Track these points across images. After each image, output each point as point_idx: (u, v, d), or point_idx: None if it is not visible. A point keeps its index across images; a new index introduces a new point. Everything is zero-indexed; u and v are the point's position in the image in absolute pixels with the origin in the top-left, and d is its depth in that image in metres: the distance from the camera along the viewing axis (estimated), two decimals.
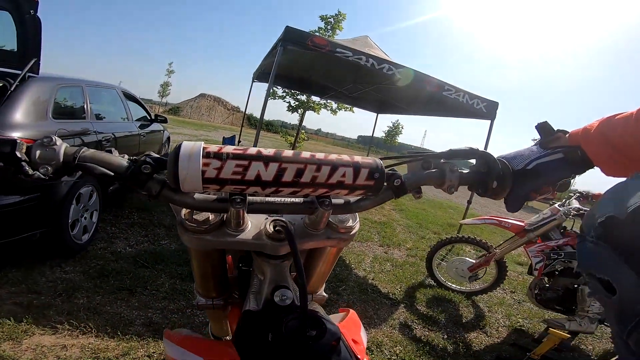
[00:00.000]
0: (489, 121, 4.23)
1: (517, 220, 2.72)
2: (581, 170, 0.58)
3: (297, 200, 0.45)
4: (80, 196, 2.36)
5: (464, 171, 0.52)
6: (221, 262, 0.56)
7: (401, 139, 37.88)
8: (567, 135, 0.60)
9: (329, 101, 8.61)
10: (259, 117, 3.94)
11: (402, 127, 36.81)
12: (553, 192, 0.58)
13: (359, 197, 0.46)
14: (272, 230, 0.45)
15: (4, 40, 2.08)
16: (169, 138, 5.57)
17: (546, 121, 0.61)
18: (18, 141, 0.37)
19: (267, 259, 0.49)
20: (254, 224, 0.47)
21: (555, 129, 0.61)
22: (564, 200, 2.62)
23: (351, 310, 0.67)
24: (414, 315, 2.48)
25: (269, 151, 0.39)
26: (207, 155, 0.37)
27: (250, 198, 0.42)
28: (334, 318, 0.62)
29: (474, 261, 2.83)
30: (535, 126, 0.62)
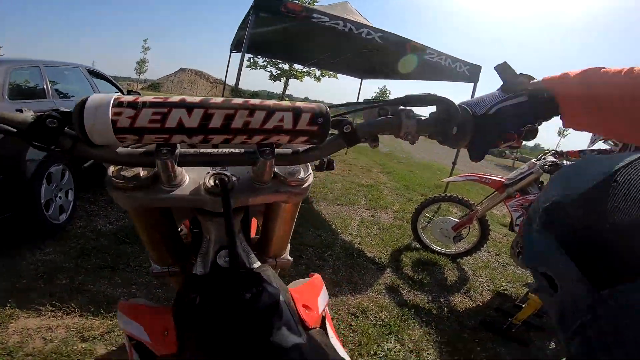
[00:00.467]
0: (472, 84, 4.19)
1: (497, 177, 2.76)
2: (546, 116, 0.55)
3: (236, 150, 0.42)
4: (50, 175, 2.32)
5: (422, 118, 0.50)
6: (169, 224, 0.53)
7: None
8: (539, 80, 0.57)
9: (312, 69, 8.35)
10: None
11: (389, 93, 36.31)
12: (518, 140, 0.56)
13: (306, 147, 0.44)
14: (212, 184, 0.42)
15: None
16: None
17: (505, 62, 0.58)
18: None
19: (212, 218, 0.47)
20: (193, 179, 0.44)
21: (518, 73, 0.58)
22: (540, 156, 2.67)
23: (316, 275, 0.66)
24: (400, 280, 2.55)
25: (194, 98, 0.37)
26: (118, 104, 0.35)
27: (183, 150, 0.40)
28: (295, 283, 0.61)
29: (457, 220, 2.90)
30: (495, 67, 0.58)
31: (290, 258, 0.65)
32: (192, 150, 0.41)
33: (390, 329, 1.96)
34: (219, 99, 0.38)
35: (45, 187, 2.24)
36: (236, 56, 6.53)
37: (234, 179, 0.44)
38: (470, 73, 4.03)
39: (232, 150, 0.42)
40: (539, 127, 0.56)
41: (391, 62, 5.13)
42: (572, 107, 0.52)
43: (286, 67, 8.63)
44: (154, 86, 35.35)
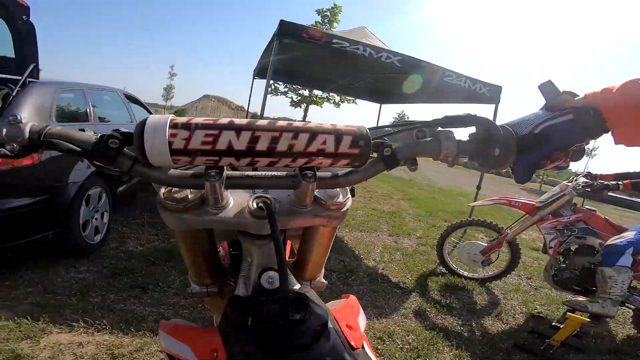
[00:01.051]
0: (494, 105, 4.19)
1: (528, 200, 2.71)
2: (595, 134, 0.53)
3: (279, 173, 0.43)
4: (89, 197, 2.44)
5: (463, 140, 0.48)
6: (210, 245, 0.53)
7: None
8: (581, 97, 0.55)
9: (331, 94, 8.60)
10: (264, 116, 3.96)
11: (407, 118, 36.48)
12: (566, 160, 0.55)
13: (346, 170, 0.44)
14: (255, 207, 0.43)
15: (1, 47, 2.12)
16: None
17: (550, 80, 0.58)
18: None
19: (253, 240, 0.47)
20: (238, 202, 0.45)
21: (562, 90, 0.57)
22: (571, 177, 2.61)
23: (351, 296, 0.66)
24: (427, 304, 2.49)
25: (241, 120, 0.38)
26: (174, 126, 0.36)
27: (229, 173, 0.41)
28: (332, 304, 0.60)
29: (485, 244, 2.82)
30: (539, 86, 0.58)
31: (324, 281, 0.64)
32: (237, 172, 0.42)
33: (418, 353, 1.91)
34: (265, 121, 0.38)
35: (84, 209, 2.36)
36: (259, 82, 6.86)
37: (275, 202, 0.44)
38: (491, 94, 4.03)
39: (275, 173, 0.43)
40: (586, 146, 0.56)
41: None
42: (621, 122, 0.51)
43: (306, 93, 8.88)
44: (180, 112, 36.78)
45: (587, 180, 2.43)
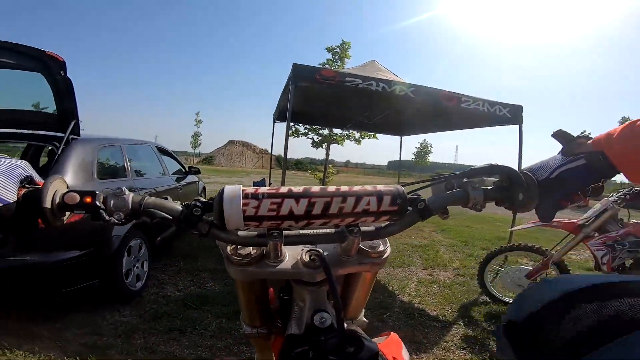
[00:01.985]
0: (517, 126, 4.16)
1: (569, 219, 2.62)
2: (608, 175, 0.57)
3: (328, 230, 0.50)
4: (130, 248, 2.64)
5: (488, 187, 0.54)
6: (263, 292, 0.60)
7: (433, 157, 37.11)
8: (591, 141, 0.60)
9: (351, 131, 8.82)
10: (287, 158, 4.13)
11: (430, 147, 36.32)
12: (585, 199, 0.59)
13: (386, 223, 0.50)
14: (308, 259, 0.49)
15: (44, 103, 2.29)
16: (204, 188, 5.87)
17: (560, 129, 0.63)
18: (97, 192, 0.46)
19: (305, 287, 0.52)
20: (291, 255, 0.51)
21: (575, 135, 0.62)
22: (612, 193, 2.53)
23: (392, 333, 0.69)
24: (472, 334, 2.37)
25: (298, 189, 0.45)
26: (246, 196, 0.44)
27: (286, 232, 0.48)
28: (376, 340, 0.64)
29: (530, 268, 2.69)
30: (552, 135, 0.63)
31: (365, 320, 0.68)
32: (293, 232, 0.49)
33: None
34: (317, 188, 0.45)
35: (126, 259, 2.55)
36: (279, 125, 7.22)
37: (325, 253, 0.50)
38: (512, 115, 4.01)
39: (325, 230, 0.49)
40: (604, 184, 0.59)
41: (428, 115, 5.33)
42: (628, 163, 0.55)
43: (326, 132, 9.18)
44: (207, 159, 37.96)
45: (627, 192, 2.36)
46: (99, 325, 2.22)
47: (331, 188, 0.46)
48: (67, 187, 0.50)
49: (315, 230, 0.50)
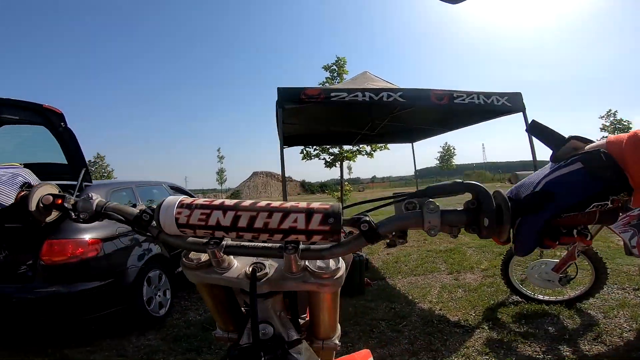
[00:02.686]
0: (521, 114, 4.01)
1: None
2: (616, 189, 0.41)
3: (269, 245, 0.50)
4: (150, 279, 2.89)
5: (449, 209, 0.46)
6: (228, 298, 0.61)
7: (459, 159, 36.04)
8: (601, 142, 0.44)
9: (361, 146, 8.79)
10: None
11: (453, 149, 35.39)
12: (590, 222, 0.44)
13: (331, 244, 0.48)
14: (250, 271, 0.51)
15: (54, 155, 2.44)
16: None
17: (534, 120, 0.52)
18: (66, 196, 0.56)
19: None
20: (239, 266, 0.53)
21: (568, 136, 0.48)
22: None
23: (365, 350, 0.69)
24: (496, 339, 2.17)
25: (230, 201, 0.47)
26: (181, 205, 0.47)
27: (229, 242, 0.49)
28: (346, 358, 0.66)
29: (556, 261, 2.49)
30: (526, 131, 0.52)
31: (338, 342, 0.67)
32: (235, 242, 0.50)
33: None
34: (247, 202, 0.47)
35: (146, 288, 2.80)
36: (288, 151, 7.31)
37: (270, 268, 0.52)
38: (512, 103, 3.86)
39: (266, 244, 0.49)
40: (619, 205, 0.43)
41: (431, 117, 5.24)
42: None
43: (336, 150, 9.18)
44: (235, 194, 38.23)
45: None
46: (125, 348, 2.44)
47: (262, 203, 0.47)
48: (57, 191, 0.59)
49: (258, 244, 0.50)
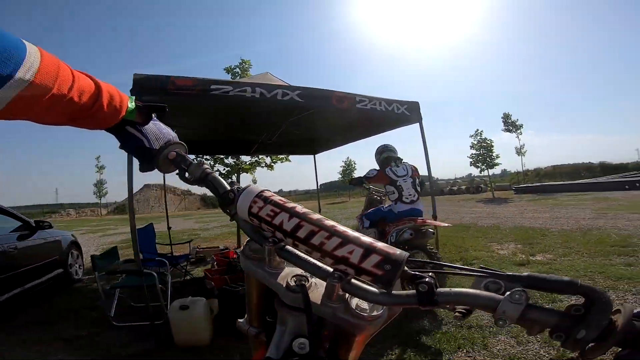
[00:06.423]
0: (417, 124, 4.08)
1: None
2: None
3: (320, 264, 0.48)
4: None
5: (537, 304, 0.38)
6: (264, 296, 0.59)
7: (361, 173, 38.97)
8: None
9: (260, 157, 8.26)
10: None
11: (354, 164, 37.94)
12: None
13: (381, 291, 0.43)
14: (293, 283, 0.50)
15: None
16: (74, 243, 5.43)
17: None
18: (186, 157, 0.63)
19: (290, 310, 0.52)
20: (288, 272, 0.52)
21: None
22: None
23: None
24: None
25: (301, 209, 0.49)
26: (259, 196, 0.51)
27: (288, 247, 0.50)
28: None
29: None
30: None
31: None
32: (293, 249, 0.50)
33: None
34: (315, 215, 0.48)
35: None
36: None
37: (314, 285, 0.51)
38: (410, 112, 3.92)
39: (318, 263, 0.48)
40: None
41: (330, 125, 5.03)
42: None
43: (232, 161, 8.45)
44: (120, 208, 34.60)
45: None
46: None
47: (329, 222, 0.47)
48: (183, 152, 0.64)
49: (313, 260, 0.49)
